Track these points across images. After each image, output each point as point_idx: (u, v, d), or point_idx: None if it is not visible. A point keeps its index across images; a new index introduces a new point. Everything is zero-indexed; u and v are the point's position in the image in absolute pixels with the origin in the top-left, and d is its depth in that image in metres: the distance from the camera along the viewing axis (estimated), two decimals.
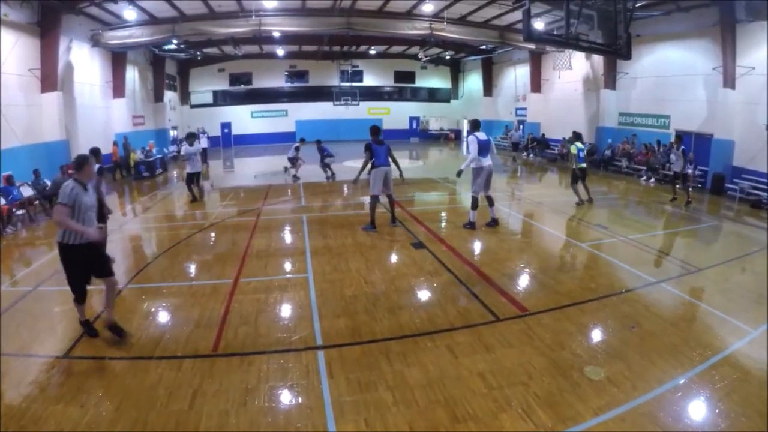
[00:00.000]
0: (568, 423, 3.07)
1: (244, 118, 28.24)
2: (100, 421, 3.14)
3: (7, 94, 10.86)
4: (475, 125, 7.94)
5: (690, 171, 10.72)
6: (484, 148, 7.66)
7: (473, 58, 26.86)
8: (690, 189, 10.62)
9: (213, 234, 8.31)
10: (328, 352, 4.01)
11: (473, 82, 29.18)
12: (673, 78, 14.31)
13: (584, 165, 10.03)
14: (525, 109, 23.02)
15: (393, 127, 30.17)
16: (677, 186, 10.76)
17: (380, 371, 3.68)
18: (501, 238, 7.51)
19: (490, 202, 8.11)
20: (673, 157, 10.74)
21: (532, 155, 20.07)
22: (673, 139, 11.09)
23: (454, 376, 3.61)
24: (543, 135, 20.85)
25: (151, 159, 16.68)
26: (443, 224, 8.79)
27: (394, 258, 6.74)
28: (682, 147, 10.50)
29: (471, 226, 7.88)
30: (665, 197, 11.70)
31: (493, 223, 8.06)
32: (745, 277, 5.91)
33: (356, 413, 3.20)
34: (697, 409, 3.24)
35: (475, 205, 7.88)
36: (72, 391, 3.42)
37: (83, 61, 14.75)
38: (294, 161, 14.31)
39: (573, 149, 9.99)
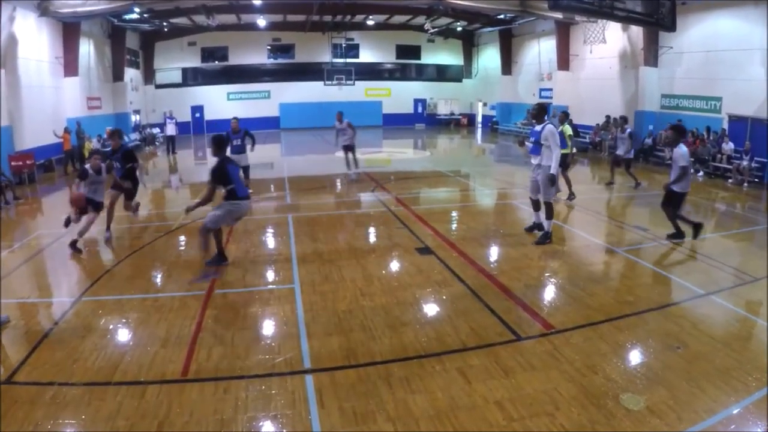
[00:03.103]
0: None
1: (218, 101, 28.27)
2: None
3: None
4: (540, 113, 7.39)
5: (629, 155, 11.55)
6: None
7: (489, 29, 26.90)
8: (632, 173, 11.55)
9: (182, 237, 8.32)
10: (318, 376, 4.01)
11: (489, 58, 29.22)
12: (726, 53, 14.31)
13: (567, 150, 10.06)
14: (551, 89, 23.03)
15: (395, 111, 30.28)
16: (618, 170, 11.66)
17: (380, 399, 3.68)
18: (522, 243, 7.51)
19: (538, 206, 7.65)
20: (618, 140, 11.68)
21: None
22: (616, 118, 11.82)
23: (466, 405, 3.61)
24: (571, 120, 20.84)
25: (108, 149, 16.68)
26: (454, 226, 8.80)
27: (395, 266, 6.74)
28: (629, 129, 11.37)
29: (549, 237, 7.44)
30: (716, 193, 11.72)
31: (537, 228, 7.73)
32: None
33: None
34: None
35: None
36: (16, 423, 3.42)
37: (29, 34, 14.76)
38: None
39: (568, 130, 10.12)
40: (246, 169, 10.96)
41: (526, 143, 7.60)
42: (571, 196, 10.10)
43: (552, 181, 7.11)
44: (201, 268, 6.33)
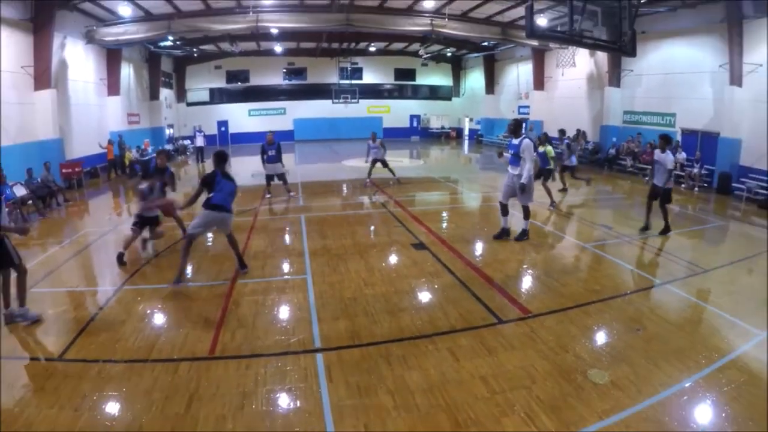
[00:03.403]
0: (572, 428, 3.08)
1: (241, 116, 28.25)
2: (95, 425, 3.15)
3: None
4: (517, 128, 7.05)
5: (574, 163, 11.61)
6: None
7: (475, 55, 26.86)
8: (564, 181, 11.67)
9: (210, 235, 8.30)
10: (327, 355, 4.01)
11: (475, 79, 29.18)
12: (679, 75, 14.31)
13: (551, 166, 10.45)
14: (528, 107, 23.01)
15: (393, 126, 30.21)
16: (565, 177, 11.65)
17: (380, 375, 3.69)
18: (504, 239, 7.50)
19: (506, 210, 7.41)
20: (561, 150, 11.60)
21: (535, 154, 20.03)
22: (541, 136, 11.46)
23: (455, 379, 3.61)
24: (545, 133, 20.80)
25: (146, 158, 16.67)
26: (445, 225, 8.79)
27: (394, 259, 6.74)
28: (566, 140, 11.50)
29: (526, 235, 7.32)
30: (671, 196, 11.70)
31: (505, 235, 7.42)
32: (752, 279, 5.91)
33: (356, 418, 3.20)
34: (704, 414, 3.24)
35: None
36: (66, 395, 3.42)
37: (77, 58, 14.76)
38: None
39: (550, 151, 10.30)
40: (282, 176, 11.05)
41: (504, 154, 7.41)
42: (552, 203, 9.97)
43: (524, 188, 6.87)
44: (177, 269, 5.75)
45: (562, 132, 12.36)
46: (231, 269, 6.18)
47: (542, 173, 10.29)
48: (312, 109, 28.94)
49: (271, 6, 15.36)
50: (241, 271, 6.03)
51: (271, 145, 10.82)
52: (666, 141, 7.58)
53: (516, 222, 7.77)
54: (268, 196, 11.17)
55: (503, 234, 7.38)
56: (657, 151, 7.63)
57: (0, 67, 10.80)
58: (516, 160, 6.98)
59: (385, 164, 12.93)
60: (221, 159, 5.95)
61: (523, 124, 7.09)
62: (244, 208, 10.52)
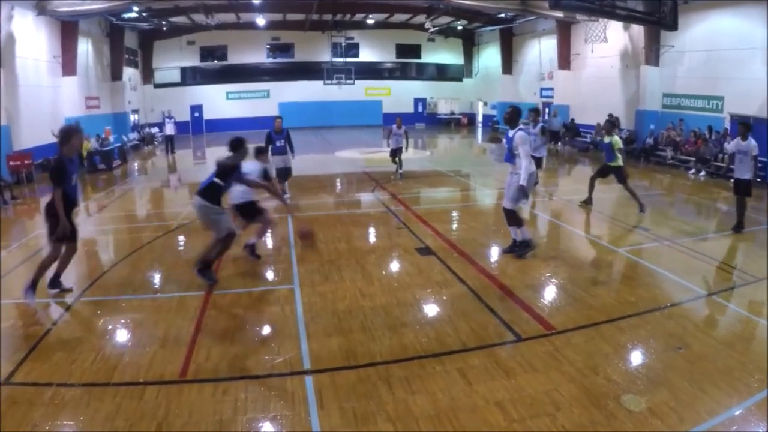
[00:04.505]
0: None
1: (217, 100, 28.32)
2: None
3: None
4: (513, 117, 6.64)
5: (540, 154, 11.06)
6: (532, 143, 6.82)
7: (490, 28, 26.91)
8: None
9: (181, 237, 8.32)
10: (318, 377, 4.01)
11: (490, 57, 29.23)
12: (728, 52, 14.32)
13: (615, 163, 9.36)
14: (551, 89, 23.04)
15: (395, 111, 30.23)
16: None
17: (380, 400, 3.69)
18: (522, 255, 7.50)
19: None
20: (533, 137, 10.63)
21: (560, 144, 20.00)
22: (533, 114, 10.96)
23: (467, 406, 3.61)
24: (572, 120, 20.86)
25: (107, 148, 16.73)
26: (455, 226, 8.80)
27: (395, 266, 6.74)
28: (540, 124, 10.78)
29: (531, 245, 6.82)
30: (718, 194, 11.72)
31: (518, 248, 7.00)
32: None
33: None
34: None
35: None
36: (14, 423, 3.42)
37: (27, 32, 14.77)
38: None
39: (617, 142, 9.28)
40: (287, 171, 10.71)
41: (499, 145, 7.21)
42: (642, 208, 9.08)
43: (523, 193, 6.49)
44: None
45: (536, 112, 11.09)
46: None
47: (608, 171, 9.50)
48: (300, 91, 28.98)
49: None
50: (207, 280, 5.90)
51: (279, 134, 10.49)
52: (747, 128, 7.98)
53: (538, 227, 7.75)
54: (286, 196, 10.33)
55: (513, 247, 6.95)
56: (737, 140, 8.05)
57: None
58: (511, 157, 6.57)
59: (399, 154, 13.18)
60: (239, 146, 6.02)
61: (521, 113, 6.68)
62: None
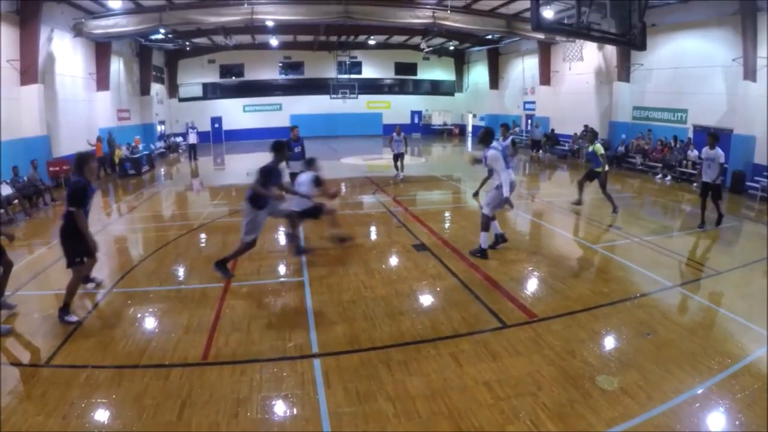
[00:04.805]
0: None
1: (235, 112, 28.28)
2: None
3: None
4: (486, 137, 6.57)
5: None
6: (505, 159, 6.52)
7: (478, 48, 26.89)
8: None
9: (203, 235, 8.32)
10: (325, 360, 4.01)
11: (479, 74, 29.19)
12: (691, 70, 14.32)
13: (600, 169, 9.20)
14: (533, 102, 23.02)
15: (394, 122, 30.17)
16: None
17: (380, 381, 3.69)
18: (508, 241, 7.50)
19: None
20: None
21: (541, 152, 19.98)
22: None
23: (458, 386, 3.62)
24: (553, 130, 20.85)
25: (136, 155, 16.71)
26: (447, 225, 8.79)
27: (394, 261, 6.74)
28: (510, 137, 10.39)
29: (483, 254, 6.62)
30: (682, 196, 11.73)
31: (501, 240, 7.02)
32: (767, 281, 5.90)
33: (354, 425, 3.20)
34: (717, 421, 3.24)
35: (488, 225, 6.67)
36: (53, 402, 3.42)
37: (65, 52, 14.76)
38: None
39: (600, 149, 9.11)
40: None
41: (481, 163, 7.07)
42: (615, 209, 9.07)
43: (505, 201, 6.38)
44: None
45: (505, 127, 10.20)
46: None
47: (592, 176, 9.32)
48: (309, 104, 28.94)
49: None
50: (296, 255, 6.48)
51: (296, 141, 10.53)
52: (715, 138, 8.27)
53: (519, 223, 7.75)
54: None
55: (498, 241, 7.00)
56: (706, 149, 8.29)
57: None
58: (492, 171, 6.70)
59: (401, 159, 13.28)
60: (282, 148, 5.95)
61: (493, 134, 6.62)
62: (238, 207, 10.53)
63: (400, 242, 7.47)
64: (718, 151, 8.14)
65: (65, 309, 4.77)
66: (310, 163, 7.38)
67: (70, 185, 4.86)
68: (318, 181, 6.98)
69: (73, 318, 4.74)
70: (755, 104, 12.10)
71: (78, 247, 4.79)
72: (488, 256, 6.58)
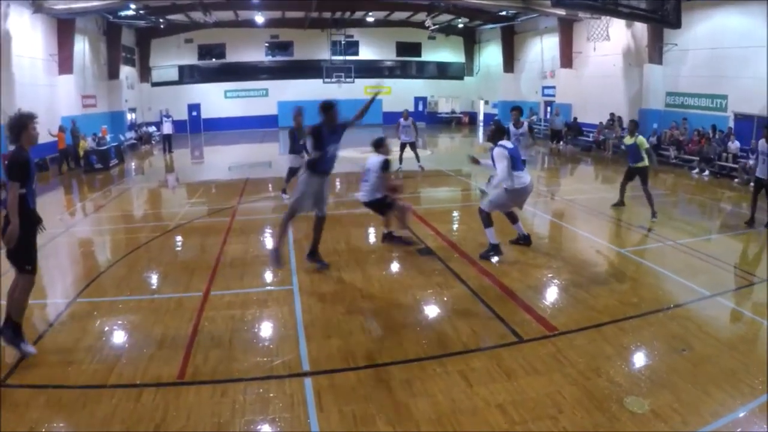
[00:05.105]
0: None
1: (215, 99, 28.31)
2: None
3: None
4: (496, 134, 6.76)
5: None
6: (516, 159, 6.66)
7: (491, 26, 26.91)
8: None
9: (179, 238, 8.32)
10: (317, 379, 4.01)
11: (491, 55, 29.23)
12: (732, 50, 14.32)
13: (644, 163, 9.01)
14: (553, 87, 23.05)
15: (395, 110, 30.25)
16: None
17: (380, 402, 3.69)
18: (521, 245, 7.50)
19: (513, 218, 7.19)
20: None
21: (562, 143, 19.98)
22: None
23: (468, 408, 3.61)
24: (575, 119, 20.86)
25: (104, 147, 16.72)
26: (455, 226, 8.79)
27: (395, 267, 6.74)
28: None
29: (496, 250, 6.71)
30: (722, 193, 11.73)
31: (523, 240, 7.22)
32: None
33: None
34: None
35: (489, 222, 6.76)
36: (10, 426, 3.42)
37: (23, 31, 14.78)
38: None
39: (643, 143, 8.96)
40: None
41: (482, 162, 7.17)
42: (654, 215, 8.79)
43: (494, 204, 6.68)
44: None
45: (518, 111, 10.15)
46: (204, 279, 6.18)
47: (634, 173, 9.12)
48: (299, 89, 28.92)
49: None
50: (318, 266, 6.39)
51: (302, 128, 10.70)
52: None
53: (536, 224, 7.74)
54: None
55: (520, 240, 7.23)
56: (762, 142, 8.34)
57: None
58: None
59: (413, 147, 13.35)
60: (330, 108, 6.08)
61: (505, 130, 6.84)
62: (219, 206, 10.54)
63: (401, 246, 7.47)
64: None
65: (17, 330, 4.14)
66: (379, 145, 7.17)
67: (8, 156, 4.20)
68: (386, 166, 6.92)
69: (30, 348, 4.22)
70: None
71: (30, 247, 4.26)
72: (502, 251, 6.68)
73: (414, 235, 7.84)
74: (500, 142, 6.62)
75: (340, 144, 6.23)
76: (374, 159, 6.99)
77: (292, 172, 10.51)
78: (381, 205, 6.96)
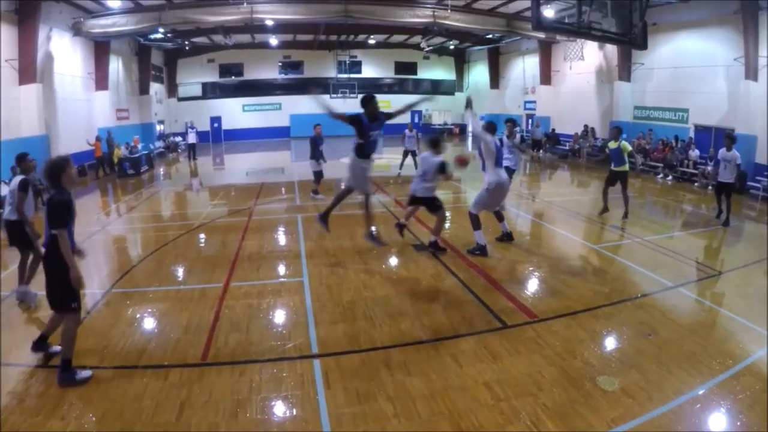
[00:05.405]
0: None
1: (235, 112, 28.26)
2: None
3: None
4: (490, 126, 6.78)
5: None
6: (500, 157, 6.64)
7: (479, 47, 26.87)
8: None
9: (202, 235, 8.32)
10: (325, 360, 4.01)
11: (479, 73, 29.19)
12: (692, 69, 14.32)
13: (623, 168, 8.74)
14: (534, 102, 23.02)
15: (394, 122, 30.26)
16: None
17: (380, 381, 3.69)
18: (506, 242, 7.50)
19: (499, 216, 7.23)
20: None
21: (542, 152, 19.95)
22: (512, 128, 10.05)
23: (458, 386, 3.61)
24: (553, 130, 20.85)
25: (135, 155, 16.69)
26: (447, 225, 8.78)
27: (394, 261, 6.74)
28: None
29: (482, 251, 6.65)
30: (684, 196, 11.73)
31: (507, 237, 7.27)
32: None
33: (354, 426, 3.20)
34: (718, 422, 3.24)
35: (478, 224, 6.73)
36: (52, 403, 3.42)
37: (64, 51, 14.76)
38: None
39: (626, 147, 8.61)
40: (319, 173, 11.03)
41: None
42: (626, 215, 8.75)
43: (494, 204, 6.80)
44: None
45: (512, 123, 9.92)
46: (224, 271, 6.18)
47: (615, 177, 8.76)
48: (309, 104, 28.73)
49: None
50: (376, 243, 6.47)
51: (320, 139, 11.07)
52: (732, 140, 8.58)
53: (519, 223, 7.73)
54: (319, 196, 10.90)
55: (504, 237, 7.29)
56: (722, 150, 8.52)
57: None
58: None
59: (414, 156, 13.29)
60: (369, 102, 5.99)
61: (496, 127, 6.75)
62: (237, 207, 10.53)
63: (399, 242, 7.46)
64: (735, 152, 8.37)
65: (68, 364, 3.72)
66: (436, 144, 6.71)
67: (50, 200, 3.71)
68: (443, 169, 6.45)
69: (87, 373, 3.77)
70: (756, 104, 12.10)
71: (73, 286, 3.71)
72: (488, 253, 6.62)
73: (411, 233, 7.83)
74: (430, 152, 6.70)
75: (381, 131, 6.26)
76: (432, 159, 6.54)
77: (317, 175, 10.96)
78: (432, 205, 6.71)
